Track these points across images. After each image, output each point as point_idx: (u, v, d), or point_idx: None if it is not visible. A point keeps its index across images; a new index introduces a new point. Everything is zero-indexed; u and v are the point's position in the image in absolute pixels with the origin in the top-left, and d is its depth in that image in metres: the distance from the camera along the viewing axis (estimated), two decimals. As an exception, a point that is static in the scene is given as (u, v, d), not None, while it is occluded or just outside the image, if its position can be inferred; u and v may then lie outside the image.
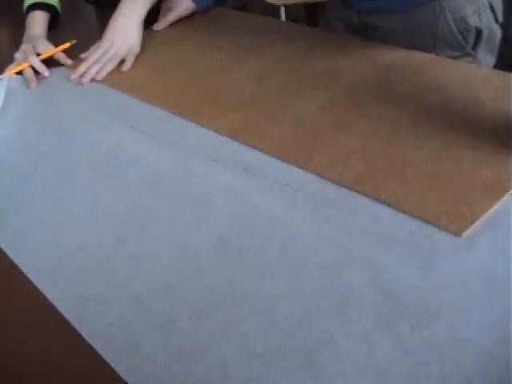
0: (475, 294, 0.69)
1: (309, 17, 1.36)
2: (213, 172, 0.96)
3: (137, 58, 1.39)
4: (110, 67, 1.34)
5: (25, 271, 0.83)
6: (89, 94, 1.27)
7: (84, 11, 1.86)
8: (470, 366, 0.62)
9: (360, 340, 0.66)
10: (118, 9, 1.40)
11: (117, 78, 1.31)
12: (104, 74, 1.32)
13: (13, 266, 0.84)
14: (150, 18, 1.58)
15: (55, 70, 1.39)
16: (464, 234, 0.77)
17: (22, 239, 0.89)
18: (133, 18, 1.39)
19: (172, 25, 1.56)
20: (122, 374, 0.66)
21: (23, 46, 1.40)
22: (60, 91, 1.31)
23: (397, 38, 1.26)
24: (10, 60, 1.39)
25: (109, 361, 0.68)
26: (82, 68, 1.32)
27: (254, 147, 0.99)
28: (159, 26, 1.55)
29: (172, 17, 1.56)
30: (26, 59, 1.36)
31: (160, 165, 1.00)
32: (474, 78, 1.09)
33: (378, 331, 0.66)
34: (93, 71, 1.32)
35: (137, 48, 1.39)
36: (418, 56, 1.19)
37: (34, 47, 1.40)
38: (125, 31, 1.38)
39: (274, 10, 1.59)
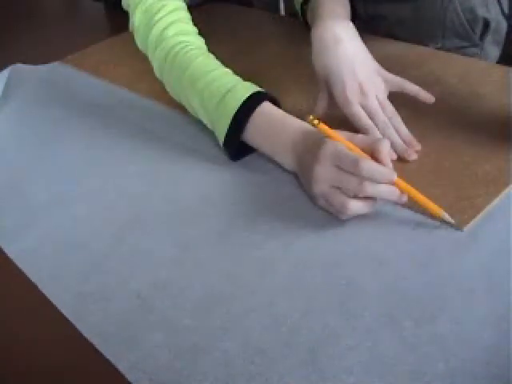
0: (478, 287, 0.69)
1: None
2: (213, 167, 0.95)
3: (135, 53, 1.38)
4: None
5: (22, 268, 0.82)
6: (87, 89, 1.26)
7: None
8: (475, 361, 0.61)
9: (364, 335, 0.66)
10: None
11: (114, 73, 1.30)
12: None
13: (10, 263, 0.84)
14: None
15: (53, 65, 1.39)
16: (465, 229, 0.77)
17: (19, 236, 0.88)
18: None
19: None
20: (124, 372, 0.66)
21: None
22: (58, 87, 1.30)
23: (405, 27, 1.26)
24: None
25: (110, 358, 0.68)
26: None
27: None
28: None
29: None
30: None
31: (159, 161, 1.00)
32: (474, 72, 1.08)
33: (381, 326, 0.66)
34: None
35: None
36: (416, 49, 1.19)
37: None
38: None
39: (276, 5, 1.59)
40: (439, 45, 1.24)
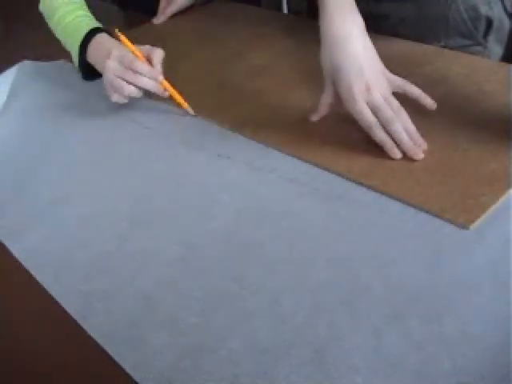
0: (484, 286, 0.69)
1: (311, 9, 1.35)
2: (217, 167, 0.95)
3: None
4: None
5: (28, 268, 0.82)
6: (91, 89, 1.26)
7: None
8: (481, 360, 0.61)
9: (369, 334, 0.65)
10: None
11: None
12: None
13: (15, 262, 0.84)
14: (150, 12, 1.57)
15: (58, 63, 1.38)
16: (472, 227, 0.77)
17: (24, 235, 0.88)
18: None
19: (172, 18, 1.55)
20: (129, 371, 0.66)
21: None
22: (62, 87, 1.30)
23: (408, 26, 1.25)
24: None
25: (115, 357, 0.68)
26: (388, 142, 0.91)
27: (257, 141, 0.99)
28: (159, 19, 1.54)
29: (172, 10, 1.56)
30: None
31: (163, 159, 1.00)
32: (478, 70, 1.08)
33: (387, 326, 0.66)
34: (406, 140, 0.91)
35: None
36: (421, 48, 1.18)
37: None
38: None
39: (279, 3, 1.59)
40: (442, 43, 1.24)
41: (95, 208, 0.92)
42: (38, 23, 1.45)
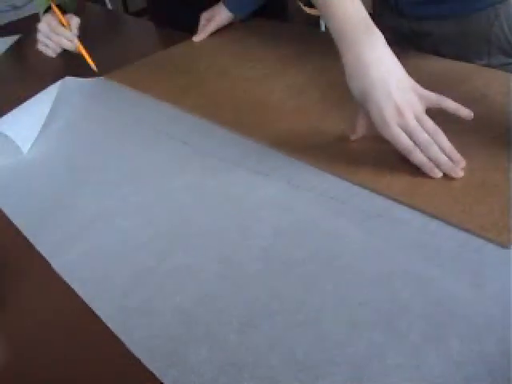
0: (525, 306, 0.69)
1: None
2: (256, 184, 0.96)
3: (177, 68, 1.39)
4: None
5: (68, 282, 0.83)
6: (130, 105, 1.28)
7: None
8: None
9: (409, 353, 0.65)
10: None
11: (158, 89, 1.31)
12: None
13: (57, 277, 0.84)
14: (190, 29, 1.59)
15: (98, 79, 1.41)
16: (512, 247, 0.76)
17: (65, 250, 0.89)
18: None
19: (211, 35, 1.57)
20: (169, 386, 0.66)
21: None
22: (101, 103, 1.32)
23: (450, 44, 1.25)
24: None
25: (155, 372, 0.68)
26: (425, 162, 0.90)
27: (296, 159, 0.99)
28: (199, 36, 1.56)
29: (211, 27, 1.57)
30: None
31: (203, 176, 1.00)
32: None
33: (427, 344, 0.66)
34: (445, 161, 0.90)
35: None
36: (461, 66, 1.18)
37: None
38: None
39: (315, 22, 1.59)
40: (484, 62, 1.23)
41: (135, 224, 0.92)
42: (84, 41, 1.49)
